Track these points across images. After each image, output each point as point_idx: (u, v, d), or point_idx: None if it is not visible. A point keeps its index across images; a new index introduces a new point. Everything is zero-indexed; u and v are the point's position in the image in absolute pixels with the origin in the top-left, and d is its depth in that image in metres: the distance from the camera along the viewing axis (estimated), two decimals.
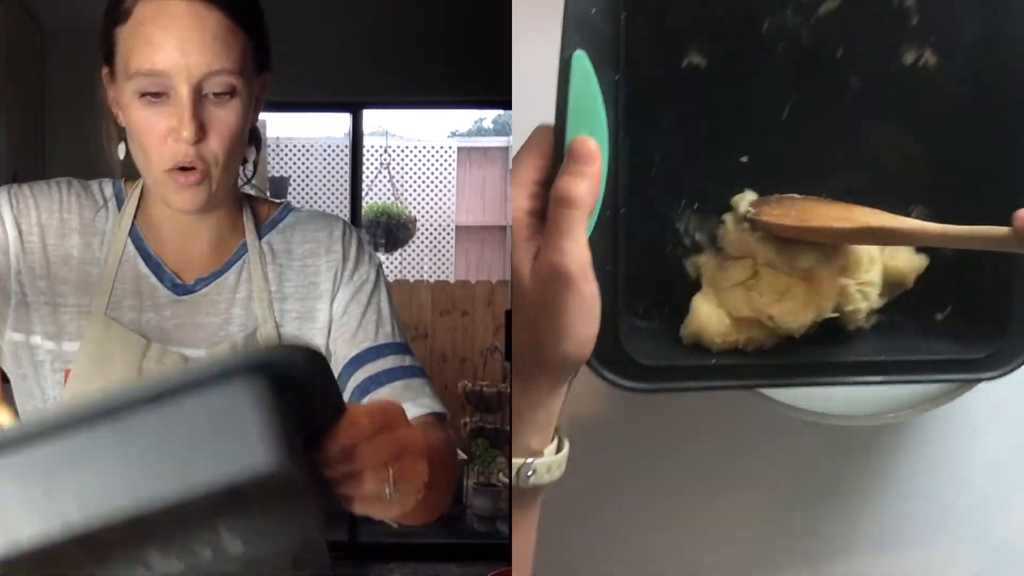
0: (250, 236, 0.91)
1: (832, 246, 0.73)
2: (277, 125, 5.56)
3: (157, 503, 0.43)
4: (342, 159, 5.50)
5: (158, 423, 0.45)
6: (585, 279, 0.67)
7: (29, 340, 0.87)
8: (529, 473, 0.73)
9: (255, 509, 0.47)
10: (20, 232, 0.86)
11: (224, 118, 0.82)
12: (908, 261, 0.75)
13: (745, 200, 0.76)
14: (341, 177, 5.58)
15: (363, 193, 4.22)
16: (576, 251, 0.66)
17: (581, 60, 0.65)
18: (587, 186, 0.67)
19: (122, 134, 0.88)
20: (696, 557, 0.98)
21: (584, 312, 0.67)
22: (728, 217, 0.76)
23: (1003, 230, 0.61)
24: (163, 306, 0.88)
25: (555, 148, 0.68)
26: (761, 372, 0.75)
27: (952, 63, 0.71)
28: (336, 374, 0.87)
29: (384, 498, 0.58)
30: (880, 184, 0.75)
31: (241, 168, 0.91)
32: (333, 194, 5.93)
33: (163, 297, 0.88)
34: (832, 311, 0.74)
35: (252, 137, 0.91)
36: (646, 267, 0.75)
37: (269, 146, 6.19)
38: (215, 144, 0.82)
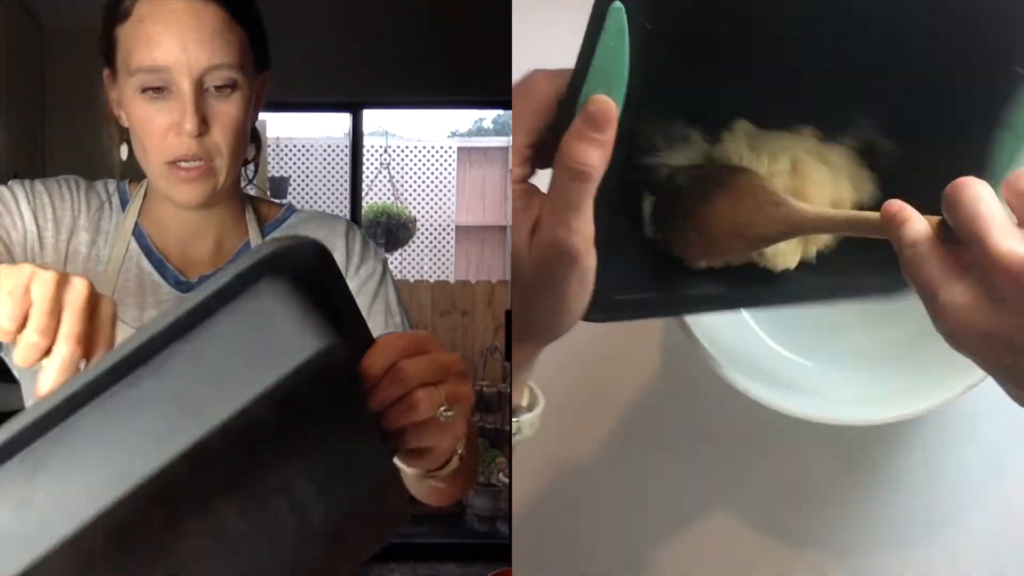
0: (253, 235, 0.91)
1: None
2: (277, 125, 5.56)
3: (215, 424, 0.41)
4: (342, 159, 5.51)
5: (195, 355, 0.43)
6: (588, 253, 0.60)
7: None
8: (515, 431, 0.72)
9: (324, 419, 0.46)
10: (38, 227, 0.87)
11: (226, 111, 0.83)
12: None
13: (646, 215, 0.71)
14: (341, 177, 5.58)
15: (363, 193, 4.22)
16: (584, 226, 0.60)
17: (618, 14, 0.58)
18: (601, 155, 0.59)
19: (124, 135, 0.88)
20: (694, 557, 0.98)
21: (583, 285, 0.62)
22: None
23: (871, 216, 0.61)
24: (166, 303, 0.88)
25: (566, 101, 0.60)
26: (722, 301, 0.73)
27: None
28: None
29: (439, 423, 0.55)
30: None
31: (243, 169, 0.91)
32: (333, 194, 5.93)
33: (166, 294, 0.89)
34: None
35: (252, 137, 0.91)
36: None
37: (269, 146, 6.18)
38: (218, 137, 0.83)
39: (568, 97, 0.60)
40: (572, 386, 0.99)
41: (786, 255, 0.71)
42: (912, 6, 0.69)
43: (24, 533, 0.40)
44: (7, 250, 0.86)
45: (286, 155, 6.05)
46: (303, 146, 6.07)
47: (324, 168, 6.03)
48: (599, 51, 0.59)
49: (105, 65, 0.87)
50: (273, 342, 0.43)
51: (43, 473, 0.42)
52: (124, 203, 0.91)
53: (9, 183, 0.88)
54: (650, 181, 0.71)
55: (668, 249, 0.70)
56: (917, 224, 0.57)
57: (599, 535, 0.99)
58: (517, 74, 0.94)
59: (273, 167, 5.74)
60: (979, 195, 0.54)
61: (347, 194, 4.06)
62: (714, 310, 0.80)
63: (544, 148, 0.61)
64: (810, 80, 0.69)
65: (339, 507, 0.50)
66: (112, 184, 0.92)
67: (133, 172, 0.90)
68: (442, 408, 0.54)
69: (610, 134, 0.59)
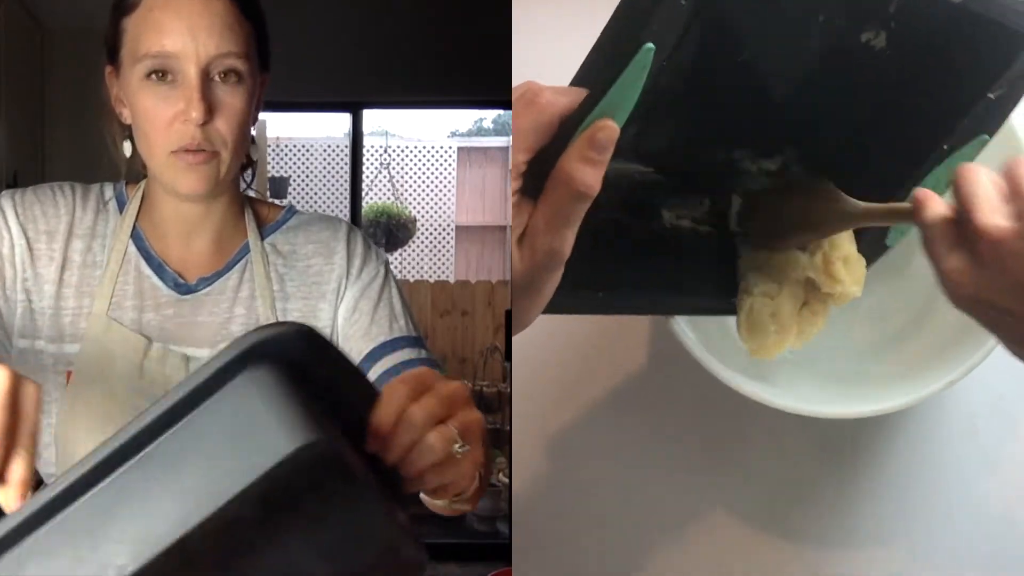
0: (252, 236, 0.91)
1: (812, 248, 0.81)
2: (277, 125, 5.56)
3: (201, 519, 0.42)
4: (342, 159, 5.51)
5: (176, 454, 0.44)
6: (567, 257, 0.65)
7: (34, 345, 0.87)
8: None
9: (313, 507, 0.45)
10: (28, 239, 0.87)
11: (231, 102, 0.83)
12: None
13: (733, 213, 0.81)
14: (341, 177, 5.58)
15: (363, 193, 4.22)
16: (571, 237, 0.63)
17: (647, 55, 0.61)
18: (599, 176, 0.62)
19: (126, 133, 0.88)
20: (692, 556, 0.98)
21: (555, 284, 0.66)
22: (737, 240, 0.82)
23: (906, 206, 0.71)
24: (164, 305, 0.88)
25: (571, 121, 0.63)
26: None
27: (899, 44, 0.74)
28: None
29: (455, 458, 0.55)
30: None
31: (242, 172, 0.91)
32: (333, 194, 5.94)
33: (165, 297, 0.88)
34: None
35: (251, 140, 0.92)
36: None
37: (269, 146, 6.18)
38: (222, 126, 0.83)
39: (575, 117, 0.63)
40: (571, 387, 1.00)
41: (848, 287, 0.82)
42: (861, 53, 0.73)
43: None
44: (6, 264, 0.86)
45: (286, 155, 6.05)
46: (303, 146, 6.08)
47: (324, 168, 6.03)
48: (619, 83, 0.62)
49: (108, 62, 0.87)
50: (253, 440, 0.43)
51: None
52: (122, 206, 0.91)
53: (2, 197, 0.88)
54: (737, 187, 0.82)
55: (746, 238, 0.82)
56: (936, 207, 0.67)
57: (598, 535, 0.99)
58: (517, 74, 0.94)
59: (273, 167, 5.74)
60: (976, 178, 0.64)
61: (347, 194, 4.06)
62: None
63: (539, 162, 0.63)
64: (757, 107, 0.76)
65: (349, 571, 0.50)
66: (109, 188, 0.92)
67: (135, 173, 0.90)
68: (456, 445, 0.55)
69: (608, 157, 0.63)
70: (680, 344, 0.84)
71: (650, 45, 0.61)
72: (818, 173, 0.79)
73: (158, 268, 0.89)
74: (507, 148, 6.05)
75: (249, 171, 0.94)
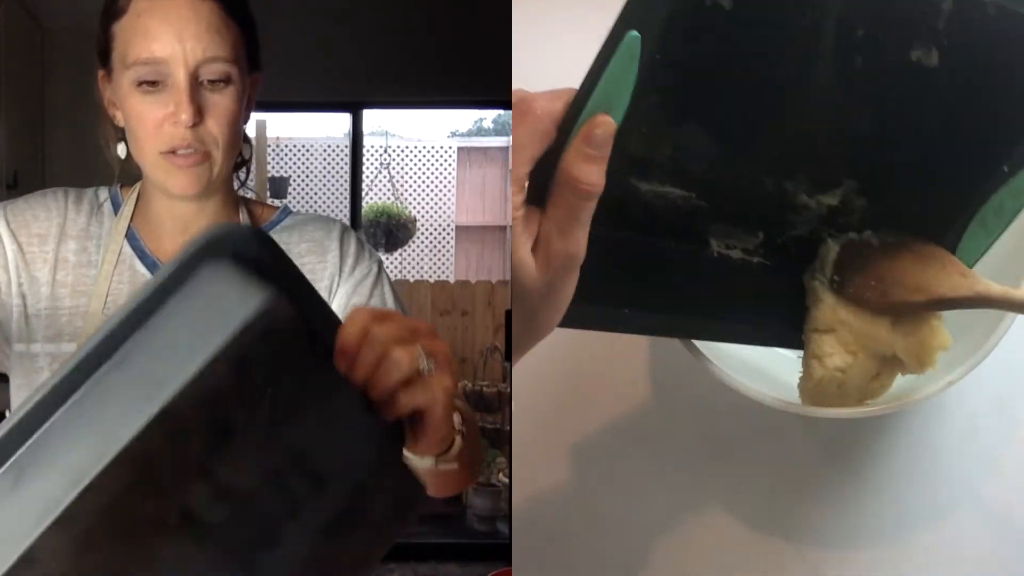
0: None
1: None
2: (277, 125, 5.56)
3: (177, 390, 0.43)
4: (342, 159, 5.51)
5: (152, 340, 0.45)
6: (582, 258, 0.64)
7: (30, 349, 0.88)
8: None
9: (287, 391, 0.47)
10: (19, 245, 0.87)
11: (220, 103, 0.84)
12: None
13: (830, 260, 0.78)
14: (341, 177, 5.58)
15: (363, 193, 4.22)
16: (585, 237, 0.63)
17: (632, 43, 0.60)
18: (601, 172, 0.62)
19: (120, 135, 0.89)
20: (692, 555, 0.98)
21: (573, 288, 0.66)
22: (817, 284, 0.78)
23: None
24: None
25: (567, 120, 0.62)
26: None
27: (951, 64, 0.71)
28: None
29: (424, 378, 0.56)
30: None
31: (235, 173, 0.92)
32: (333, 194, 5.94)
33: None
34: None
35: (243, 140, 0.92)
36: None
37: (269, 146, 6.18)
38: (213, 128, 0.84)
39: (569, 116, 0.62)
40: (571, 387, 1.00)
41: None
42: (926, 86, 0.70)
43: (11, 532, 0.41)
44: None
45: (286, 155, 6.05)
46: (303, 146, 6.08)
47: (324, 168, 6.04)
48: (607, 75, 0.61)
49: (100, 66, 0.88)
50: (218, 310, 0.45)
51: (25, 479, 0.43)
52: (117, 207, 0.91)
53: None
54: (831, 232, 0.78)
55: (843, 290, 0.77)
56: None
57: (598, 535, 0.99)
58: (517, 74, 0.94)
59: (273, 167, 5.74)
60: None
61: (347, 194, 4.06)
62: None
63: (541, 169, 0.63)
64: (804, 136, 0.72)
65: (348, 478, 0.51)
66: (104, 191, 0.93)
67: (130, 174, 0.91)
68: (422, 362, 0.55)
69: (608, 151, 0.62)
70: (681, 344, 0.85)
71: (634, 33, 0.60)
72: (915, 227, 0.76)
73: (152, 267, 0.90)
74: (507, 148, 6.05)
75: (243, 170, 0.95)
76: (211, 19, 0.83)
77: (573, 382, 1.00)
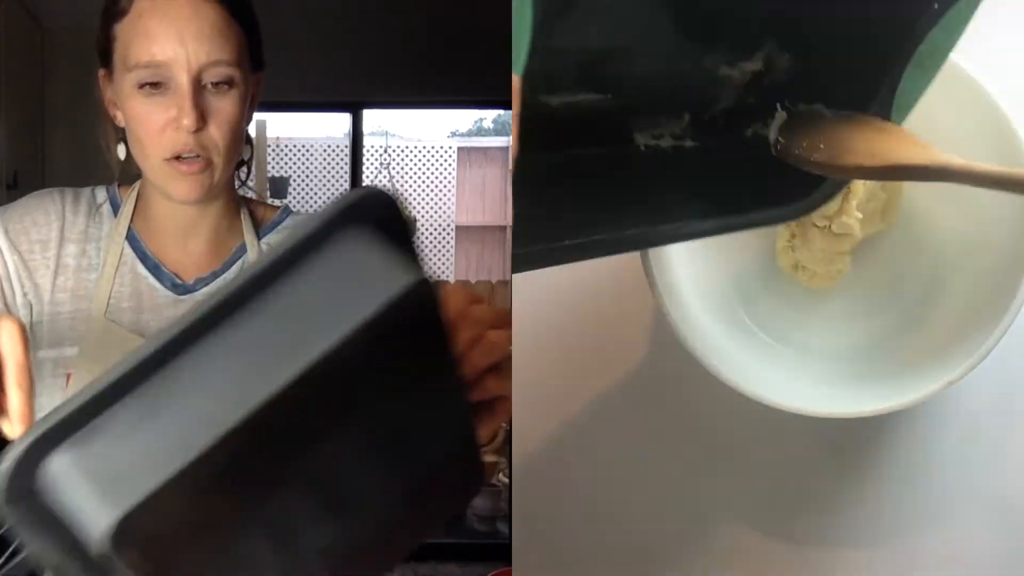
0: (249, 236, 0.91)
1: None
2: (277, 125, 5.56)
3: (316, 357, 0.42)
4: (342, 159, 5.50)
5: (290, 298, 0.44)
6: None
7: (36, 356, 0.87)
8: None
9: (410, 368, 0.47)
10: (21, 254, 0.87)
11: (224, 107, 0.84)
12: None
13: (775, 125, 0.75)
14: (341, 177, 5.58)
15: None
16: None
17: None
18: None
19: (121, 135, 0.88)
20: (693, 555, 0.98)
21: None
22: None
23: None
24: (163, 307, 0.88)
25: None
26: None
27: None
28: None
29: (507, 370, 0.58)
30: None
31: (236, 171, 0.91)
32: (333, 194, 5.92)
33: (162, 297, 0.88)
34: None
35: (246, 139, 0.92)
36: None
37: (269, 146, 6.17)
38: (215, 133, 0.83)
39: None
40: (571, 387, 1.00)
41: (823, 278, 0.88)
42: None
43: (135, 471, 0.41)
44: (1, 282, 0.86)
45: (286, 155, 6.05)
46: (303, 146, 6.07)
47: (324, 168, 6.03)
48: (513, 31, 0.59)
49: (101, 65, 0.87)
50: (365, 280, 0.44)
51: (152, 413, 0.43)
52: (116, 208, 0.91)
53: None
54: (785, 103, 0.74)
55: (785, 153, 0.73)
56: None
57: (599, 535, 0.99)
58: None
59: (273, 167, 5.74)
60: None
61: None
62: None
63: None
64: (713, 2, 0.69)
65: (433, 455, 0.52)
66: (102, 191, 0.92)
67: (130, 174, 0.90)
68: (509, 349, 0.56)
69: (516, 109, 0.60)
70: (681, 343, 0.85)
71: None
72: (816, 69, 0.71)
73: (154, 269, 0.89)
74: (507, 148, 6.04)
75: (244, 169, 0.95)
76: (214, 20, 0.82)
77: (573, 382, 1.00)
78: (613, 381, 0.99)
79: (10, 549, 0.47)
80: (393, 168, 6.18)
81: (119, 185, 0.92)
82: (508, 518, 0.96)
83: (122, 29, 0.83)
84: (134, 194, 0.90)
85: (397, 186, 6.13)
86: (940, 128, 0.88)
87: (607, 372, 0.99)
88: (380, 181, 5.97)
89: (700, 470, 0.98)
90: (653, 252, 0.86)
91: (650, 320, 0.98)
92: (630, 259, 0.88)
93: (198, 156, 0.83)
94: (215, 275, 0.90)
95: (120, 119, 0.87)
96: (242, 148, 0.89)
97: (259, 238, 0.92)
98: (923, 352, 0.88)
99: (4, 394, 0.55)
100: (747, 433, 0.97)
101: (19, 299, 0.87)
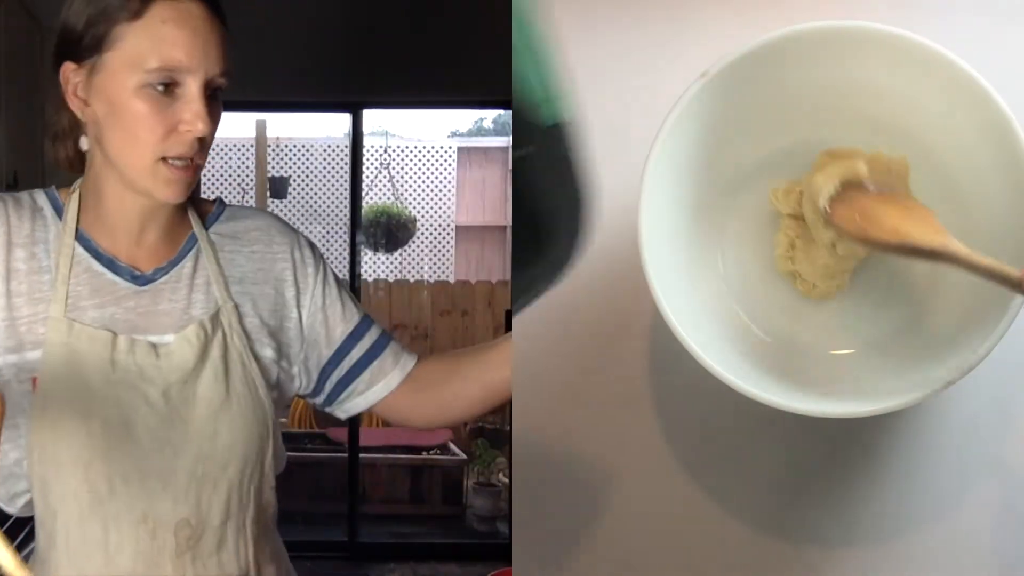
0: (197, 227, 0.95)
1: None
2: (277, 125, 5.56)
3: None
4: (342, 159, 5.50)
5: None
6: None
7: None
8: None
9: None
10: None
11: (215, 115, 0.87)
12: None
13: (825, 192, 0.86)
14: (341, 177, 5.58)
15: (363, 193, 4.21)
16: None
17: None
18: None
19: (80, 129, 0.90)
20: (693, 555, 0.98)
21: None
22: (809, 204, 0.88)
23: (1015, 273, 0.73)
24: (125, 298, 0.90)
25: None
26: None
27: None
28: (336, 347, 0.97)
29: None
30: None
31: None
32: (333, 194, 5.93)
33: (124, 290, 0.91)
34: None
35: None
36: None
37: (269, 146, 6.17)
38: (208, 138, 0.87)
39: None
40: (571, 387, 1.00)
41: (822, 291, 0.93)
42: None
43: None
44: None
45: (286, 155, 6.04)
46: (303, 146, 6.07)
47: (324, 168, 6.03)
48: None
49: (70, 59, 0.88)
50: None
51: None
52: (58, 210, 0.92)
53: None
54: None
55: (828, 220, 0.87)
56: None
57: (598, 535, 0.99)
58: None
59: (273, 167, 5.73)
60: None
61: (347, 194, 4.05)
62: None
63: None
64: None
65: None
66: (40, 194, 0.93)
67: (61, 172, 0.93)
68: None
69: None
70: (681, 344, 0.85)
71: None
72: None
73: (110, 265, 0.91)
74: (507, 148, 6.04)
75: None
76: (221, 34, 0.86)
77: (573, 382, 1.00)
78: (613, 382, 0.99)
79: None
80: (393, 168, 6.18)
81: (56, 186, 0.94)
82: (508, 518, 0.96)
83: (133, 29, 0.84)
84: (76, 195, 0.92)
85: (397, 186, 6.12)
86: (940, 128, 0.88)
87: (607, 372, 0.99)
88: (380, 181, 5.96)
89: (700, 470, 0.98)
90: (651, 253, 0.86)
91: (650, 321, 0.98)
92: (630, 259, 0.88)
93: (194, 160, 0.86)
94: (172, 264, 0.93)
95: (88, 114, 0.87)
96: None
97: (206, 228, 0.95)
98: (923, 352, 0.88)
99: None
100: (747, 433, 0.97)
101: None
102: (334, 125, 5.65)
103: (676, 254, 0.90)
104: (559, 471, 0.99)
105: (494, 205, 6.48)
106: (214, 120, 0.87)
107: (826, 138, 0.92)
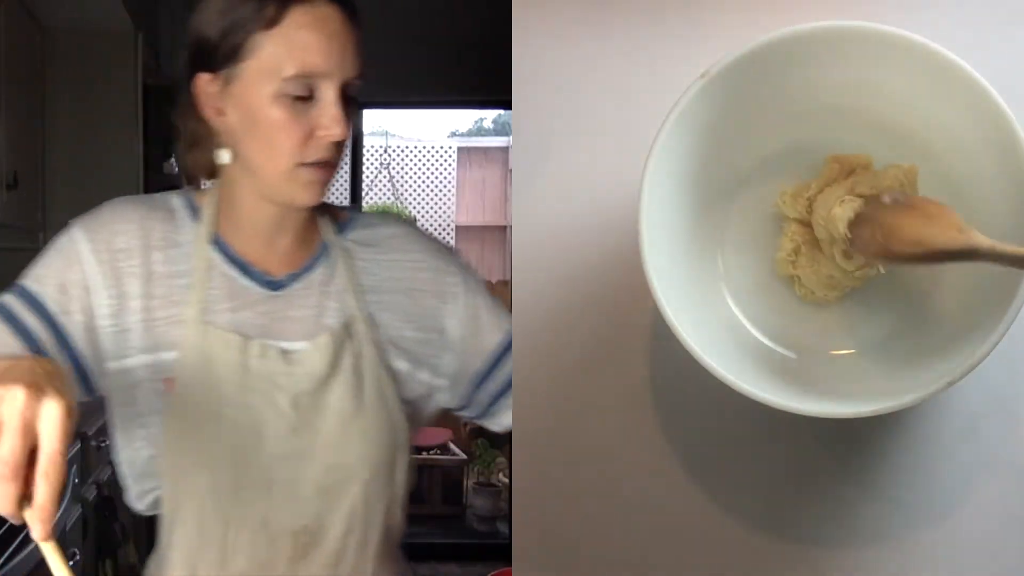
0: (330, 234, 0.94)
1: None
2: None
3: None
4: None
5: None
6: None
7: (123, 364, 0.88)
8: None
9: None
10: (105, 264, 0.88)
11: (351, 119, 0.88)
12: None
13: (844, 217, 0.85)
14: (341, 177, 5.58)
15: (363, 193, 4.22)
16: None
17: None
18: None
19: (216, 136, 0.90)
20: (693, 555, 0.98)
21: None
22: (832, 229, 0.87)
23: None
24: (257, 303, 0.90)
25: None
26: None
27: None
28: (489, 358, 0.97)
29: None
30: None
31: None
32: (333, 194, 5.93)
33: (256, 295, 0.90)
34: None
35: None
36: None
37: None
38: (344, 142, 0.88)
39: None
40: (572, 387, 1.00)
41: (821, 298, 0.92)
42: None
43: None
44: (81, 291, 0.86)
45: None
46: None
47: None
48: None
49: (204, 69, 0.87)
50: None
51: None
52: (192, 212, 0.92)
53: (72, 230, 0.90)
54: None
55: (851, 246, 0.86)
56: None
57: (598, 535, 0.99)
58: (517, 74, 0.94)
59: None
60: None
61: (347, 194, 4.05)
62: None
63: None
64: None
65: None
66: (175, 197, 0.93)
67: (193, 179, 0.93)
68: None
69: None
70: (681, 344, 0.85)
71: None
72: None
73: (244, 269, 0.90)
74: (507, 148, 6.04)
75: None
76: (356, 37, 0.87)
77: (573, 382, 1.00)
78: (613, 382, 0.99)
79: (10, 549, 0.46)
80: (393, 168, 6.19)
81: (192, 190, 0.94)
82: (508, 518, 0.96)
83: (270, 37, 0.84)
84: (214, 199, 0.91)
85: (397, 186, 6.12)
86: (941, 129, 0.88)
87: (607, 373, 0.99)
88: (380, 181, 5.97)
89: (700, 470, 0.98)
90: (651, 253, 0.86)
91: (650, 320, 0.98)
92: (630, 259, 0.88)
93: (331, 163, 0.87)
94: (305, 270, 0.92)
95: (226, 124, 0.87)
96: None
97: (340, 234, 0.94)
98: (923, 352, 0.88)
99: (32, 481, 0.55)
100: (747, 433, 0.97)
101: (105, 309, 0.88)
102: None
103: (676, 254, 0.90)
104: (559, 471, 0.99)
105: (494, 205, 6.49)
106: (351, 123, 0.87)
107: (827, 139, 0.92)
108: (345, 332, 0.90)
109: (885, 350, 0.91)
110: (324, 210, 0.95)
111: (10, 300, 0.87)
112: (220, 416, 0.87)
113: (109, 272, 0.88)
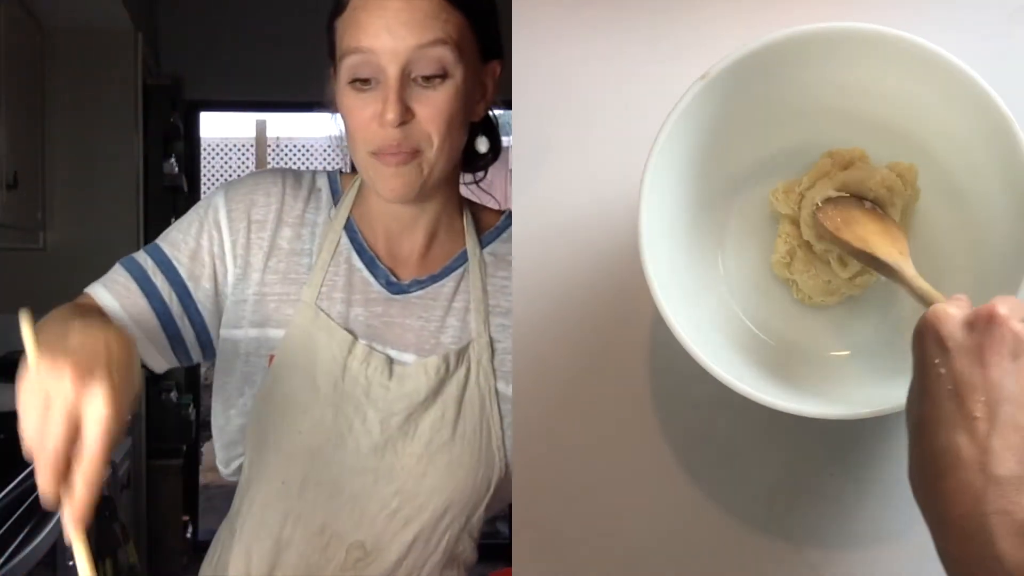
0: (471, 243, 0.89)
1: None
2: (277, 125, 5.56)
3: None
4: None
5: None
6: None
7: (233, 334, 0.87)
8: None
9: None
10: (238, 233, 0.86)
11: (434, 99, 0.81)
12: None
13: (821, 193, 0.88)
14: None
15: None
16: None
17: None
18: None
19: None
20: (693, 556, 0.98)
21: None
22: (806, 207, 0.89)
23: (940, 297, 0.78)
24: (373, 303, 0.87)
25: None
26: None
27: None
28: None
29: None
30: None
31: (470, 170, 0.90)
32: None
33: (375, 293, 0.87)
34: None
35: (485, 128, 0.89)
36: None
37: (269, 146, 6.18)
38: (426, 126, 0.81)
39: None
40: (572, 387, 1.00)
41: (817, 301, 0.93)
42: None
43: None
44: (211, 259, 0.85)
45: (286, 155, 6.04)
46: (303, 146, 6.06)
47: (324, 167, 6.03)
48: None
49: (331, 62, 0.87)
50: None
51: None
52: (335, 195, 0.90)
53: (214, 197, 0.88)
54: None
55: (823, 235, 0.89)
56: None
57: (599, 535, 0.99)
58: (517, 74, 0.94)
59: (273, 167, 5.74)
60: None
61: None
62: None
63: None
64: None
65: None
66: (323, 177, 0.91)
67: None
68: None
69: None
70: (681, 344, 0.85)
71: None
72: None
73: (370, 263, 0.87)
74: (507, 148, 6.03)
75: (481, 172, 0.92)
76: (426, 9, 0.81)
77: (573, 381, 1.00)
78: (613, 381, 0.99)
79: (10, 549, 0.47)
80: None
81: (340, 172, 0.91)
82: (508, 518, 0.96)
83: (341, 23, 0.84)
84: (356, 184, 0.89)
85: None
86: (940, 129, 0.88)
87: (607, 373, 0.99)
88: None
89: (700, 470, 0.98)
90: (651, 253, 0.86)
91: (650, 320, 0.98)
92: (630, 259, 0.88)
93: (403, 149, 0.81)
94: (433, 279, 0.88)
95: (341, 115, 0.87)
96: (460, 143, 0.86)
97: (482, 246, 0.89)
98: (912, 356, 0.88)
99: (72, 479, 0.55)
100: (747, 433, 0.97)
101: (230, 277, 0.86)
102: (334, 125, 5.65)
103: (676, 254, 0.90)
104: (559, 471, 0.99)
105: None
106: (426, 104, 0.80)
107: (827, 139, 0.92)
108: (458, 357, 0.85)
109: (884, 352, 0.91)
110: (475, 214, 0.91)
111: (144, 259, 0.86)
112: (308, 409, 0.84)
113: (241, 242, 0.87)
